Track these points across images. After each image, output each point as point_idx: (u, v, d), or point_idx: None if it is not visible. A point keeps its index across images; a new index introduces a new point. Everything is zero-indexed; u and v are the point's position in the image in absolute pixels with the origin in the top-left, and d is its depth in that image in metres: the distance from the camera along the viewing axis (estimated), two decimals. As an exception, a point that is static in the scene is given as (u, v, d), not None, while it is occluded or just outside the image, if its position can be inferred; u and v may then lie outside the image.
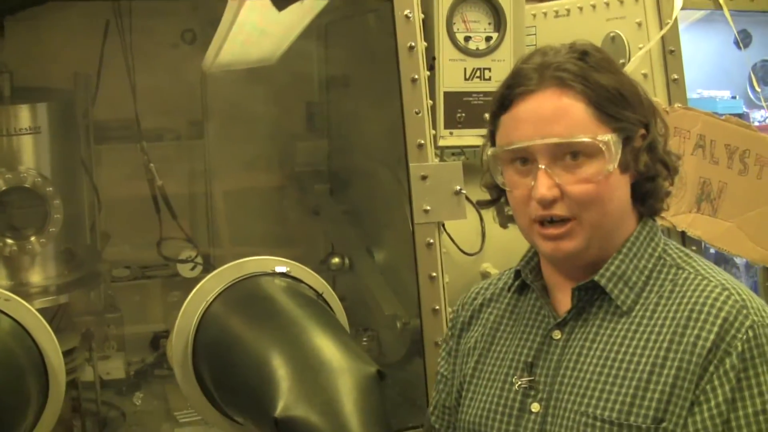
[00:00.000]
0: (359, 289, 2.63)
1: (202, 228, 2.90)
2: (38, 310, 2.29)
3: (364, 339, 2.47)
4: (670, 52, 2.44)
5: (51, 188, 2.16)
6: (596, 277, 1.47)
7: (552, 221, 1.45)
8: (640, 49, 2.44)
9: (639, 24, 2.47)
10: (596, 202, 1.43)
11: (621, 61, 2.51)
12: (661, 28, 2.43)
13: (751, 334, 1.35)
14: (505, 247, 2.15)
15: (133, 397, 2.58)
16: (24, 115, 2.18)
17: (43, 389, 1.83)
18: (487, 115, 1.59)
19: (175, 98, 2.84)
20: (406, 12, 2.21)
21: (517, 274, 1.62)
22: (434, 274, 2.22)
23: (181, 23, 2.81)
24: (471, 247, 2.41)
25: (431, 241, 2.21)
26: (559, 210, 1.43)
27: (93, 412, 2.47)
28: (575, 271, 1.50)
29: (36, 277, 2.28)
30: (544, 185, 1.42)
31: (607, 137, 1.41)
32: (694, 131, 2.40)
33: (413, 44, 2.21)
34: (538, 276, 1.59)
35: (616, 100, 1.43)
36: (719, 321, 1.37)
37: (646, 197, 1.52)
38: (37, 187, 2.15)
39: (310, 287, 2.01)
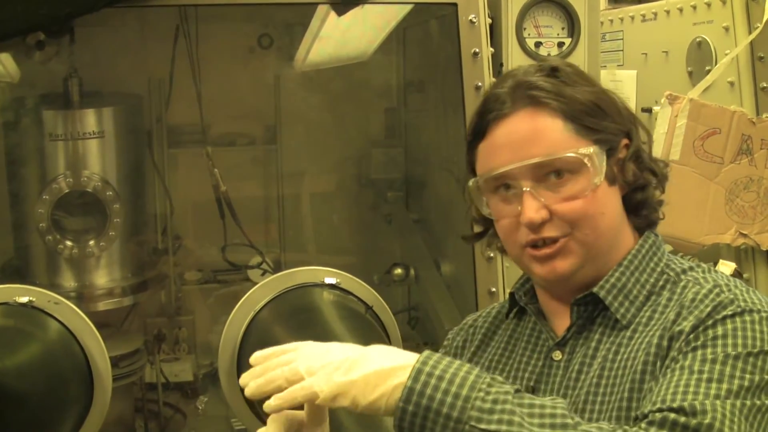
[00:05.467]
0: (424, 300, 2.56)
1: (274, 233, 2.89)
2: (106, 311, 2.37)
3: (422, 353, 2.39)
4: (759, 58, 2.29)
5: (111, 192, 2.18)
6: (595, 289, 1.40)
7: (545, 243, 1.39)
8: (727, 55, 2.29)
9: (726, 29, 2.32)
10: (587, 219, 1.37)
11: (707, 68, 2.36)
12: (749, 33, 2.28)
13: (738, 310, 1.26)
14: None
15: (197, 401, 2.59)
16: (89, 120, 2.21)
17: (88, 393, 1.84)
18: None
19: (251, 103, 2.84)
20: (471, 17, 2.14)
21: (512, 297, 1.55)
22: (494, 289, 2.15)
23: (257, 28, 2.81)
24: (538, 261, 2.31)
25: (491, 255, 2.13)
26: (549, 232, 1.37)
27: (155, 413, 2.50)
28: (570, 295, 1.43)
29: (101, 279, 2.31)
30: (531, 208, 1.36)
31: (590, 149, 1.36)
32: (784, 144, 2.24)
33: (477, 50, 2.14)
34: (533, 299, 1.52)
35: (593, 111, 1.38)
36: (708, 309, 1.28)
37: (640, 208, 1.45)
38: (97, 192, 2.18)
39: (360, 300, 1.97)
